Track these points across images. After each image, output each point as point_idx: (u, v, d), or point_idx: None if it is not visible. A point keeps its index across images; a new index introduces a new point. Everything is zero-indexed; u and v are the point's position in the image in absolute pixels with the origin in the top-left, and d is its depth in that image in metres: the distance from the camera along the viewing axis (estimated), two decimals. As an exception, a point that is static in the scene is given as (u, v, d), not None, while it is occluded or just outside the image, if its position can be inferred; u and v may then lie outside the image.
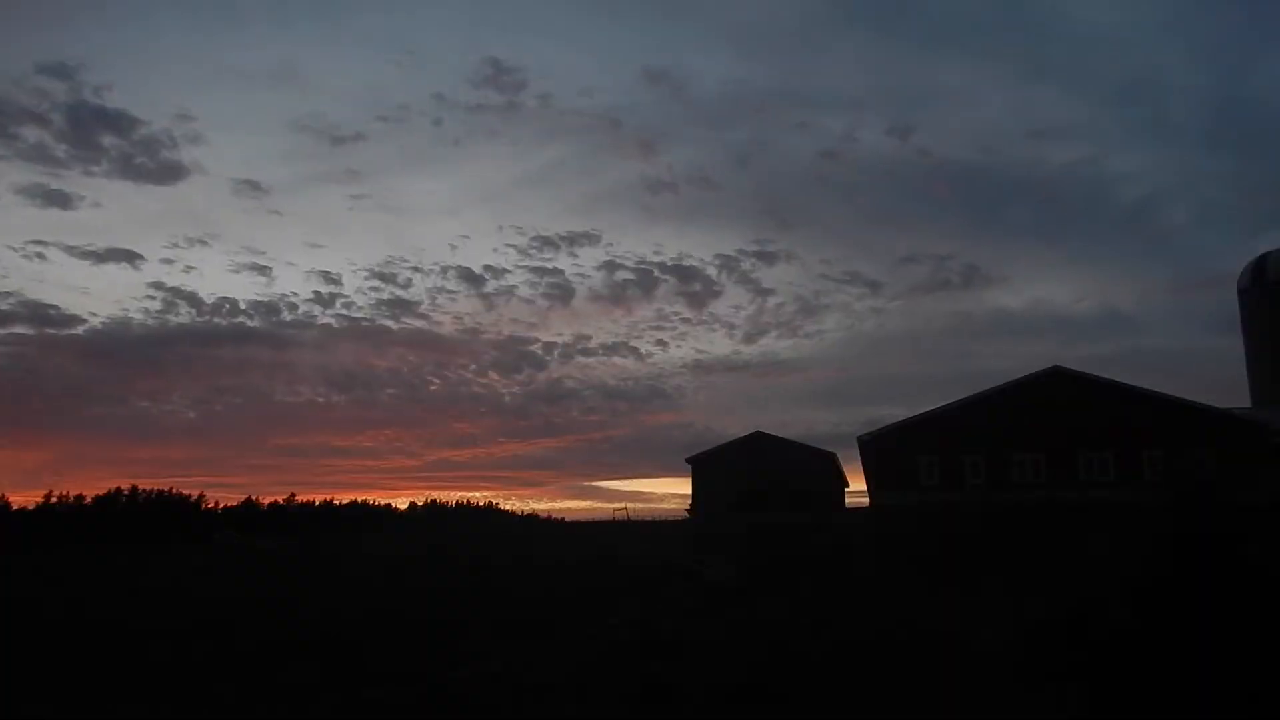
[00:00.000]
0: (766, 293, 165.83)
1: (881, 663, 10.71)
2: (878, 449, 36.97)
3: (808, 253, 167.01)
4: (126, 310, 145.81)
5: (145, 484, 58.80)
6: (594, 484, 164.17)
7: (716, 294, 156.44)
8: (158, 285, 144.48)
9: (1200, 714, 7.73)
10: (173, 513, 57.90)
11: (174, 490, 60.95)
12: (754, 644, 12.68)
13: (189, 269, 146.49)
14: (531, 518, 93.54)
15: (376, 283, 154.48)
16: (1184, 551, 14.89)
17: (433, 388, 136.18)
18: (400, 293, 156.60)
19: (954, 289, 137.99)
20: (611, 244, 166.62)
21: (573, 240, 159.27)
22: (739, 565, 21.63)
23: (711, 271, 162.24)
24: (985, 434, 35.44)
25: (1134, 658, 9.11)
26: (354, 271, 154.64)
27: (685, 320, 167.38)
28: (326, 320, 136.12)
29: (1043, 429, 34.86)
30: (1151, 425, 34.04)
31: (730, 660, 11.50)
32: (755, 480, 48.67)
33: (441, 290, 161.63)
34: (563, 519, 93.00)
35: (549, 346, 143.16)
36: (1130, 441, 34.00)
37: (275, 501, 65.68)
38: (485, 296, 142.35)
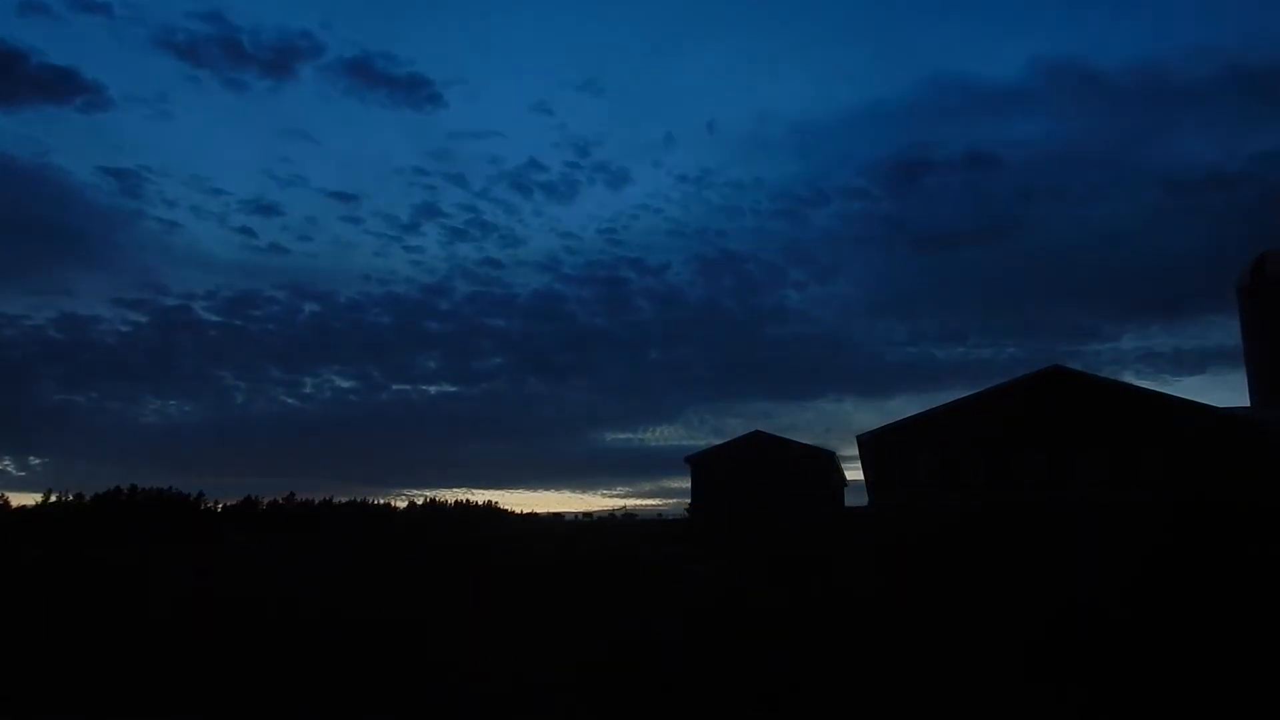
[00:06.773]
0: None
1: (881, 661, 10.70)
2: (877, 448, 36.99)
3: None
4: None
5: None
6: (595, 480, 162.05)
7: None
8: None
9: (1201, 713, 7.73)
10: (171, 512, 58.30)
11: (173, 489, 61.72)
12: (753, 643, 12.66)
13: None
14: (531, 516, 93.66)
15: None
16: (1183, 551, 14.96)
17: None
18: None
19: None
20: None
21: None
22: (738, 564, 21.62)
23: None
24: (985, 434, 35.46)
25: (1135, 657, 9.11)
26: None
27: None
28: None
29: (1043, 429, 34.88)
30: (1151, 425, 34.05)
31: (730, 660, 11.48)
32: (755, 479, 48.75)
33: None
34: (583, 516, 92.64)
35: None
36: (1130, 441, 34.00)
37: (275, 500, 66.26)
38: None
